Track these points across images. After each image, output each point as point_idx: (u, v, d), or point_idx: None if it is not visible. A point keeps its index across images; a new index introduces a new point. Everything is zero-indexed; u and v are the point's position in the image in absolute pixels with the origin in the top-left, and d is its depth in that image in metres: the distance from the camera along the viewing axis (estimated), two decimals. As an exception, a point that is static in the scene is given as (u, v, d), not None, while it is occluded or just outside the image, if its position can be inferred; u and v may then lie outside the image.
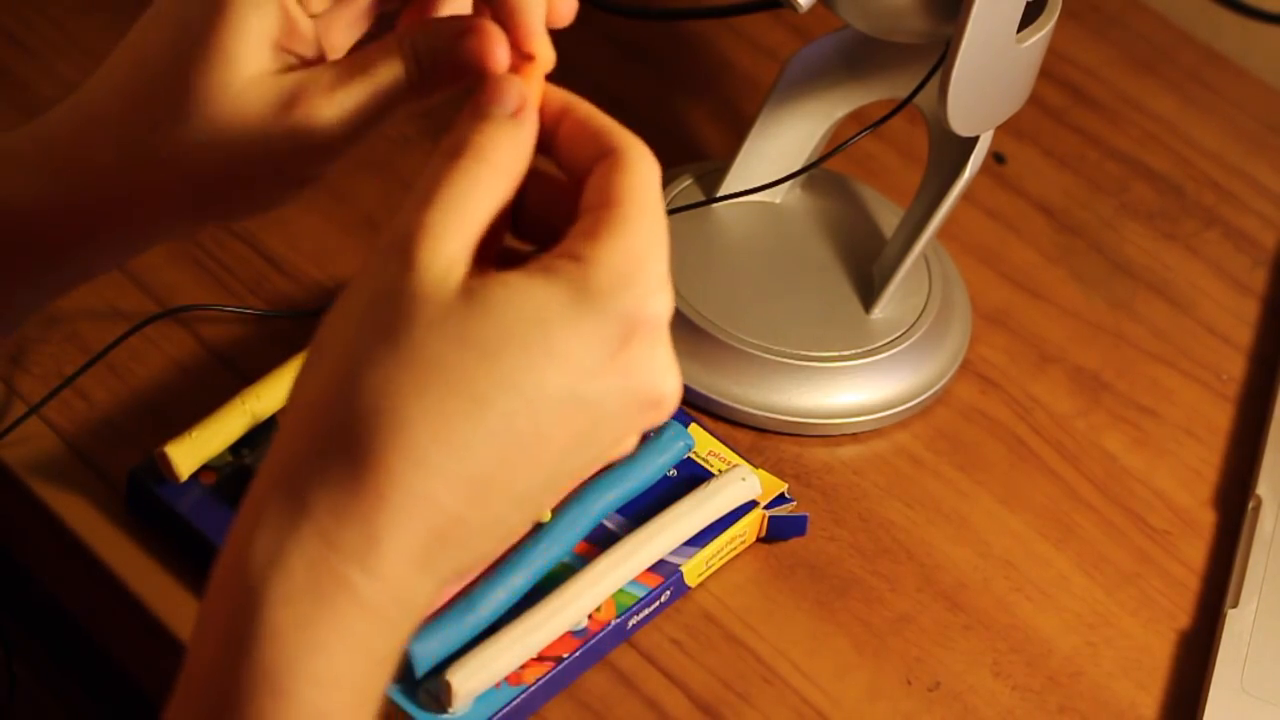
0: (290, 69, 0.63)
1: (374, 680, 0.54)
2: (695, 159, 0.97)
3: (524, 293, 0.54)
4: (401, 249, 0.54)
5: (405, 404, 0.53)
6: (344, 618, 0.53)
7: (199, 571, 0.77)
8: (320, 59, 0.65)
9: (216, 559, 0.55)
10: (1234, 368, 0.95)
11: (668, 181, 0.94)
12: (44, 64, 0.96)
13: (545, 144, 0.60)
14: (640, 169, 0.57)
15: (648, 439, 0.82)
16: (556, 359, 0.54)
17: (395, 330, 0.53)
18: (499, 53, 0.61)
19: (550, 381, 0.54)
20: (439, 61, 0.62)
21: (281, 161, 0.64)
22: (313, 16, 0.65)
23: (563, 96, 0.60)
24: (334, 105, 0.62)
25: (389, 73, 0.63)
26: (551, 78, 1.06)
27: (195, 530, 0.77)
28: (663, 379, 0.57)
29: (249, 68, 0.62)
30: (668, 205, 0.92)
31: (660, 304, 0.56)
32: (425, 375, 0.53)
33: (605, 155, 0.58)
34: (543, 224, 0.60)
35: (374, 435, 0.53)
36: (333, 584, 0.53)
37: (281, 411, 0.55)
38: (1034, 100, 0.97)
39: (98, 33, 0.99)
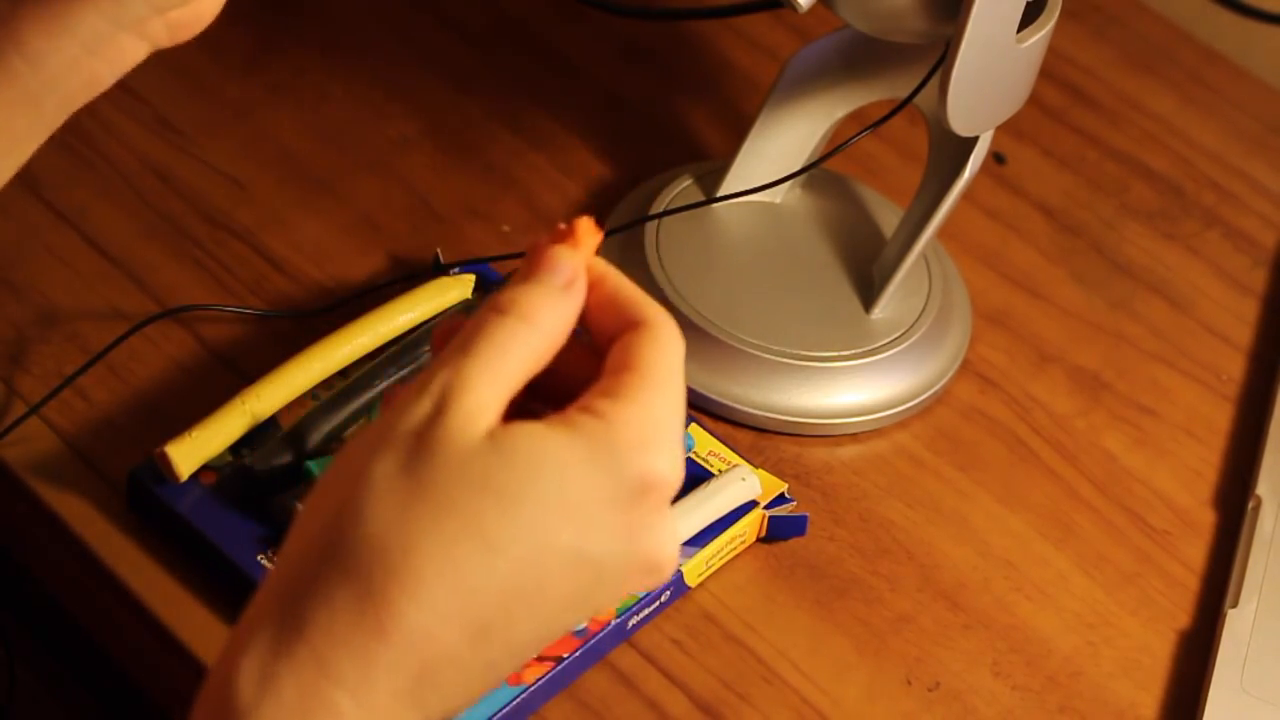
0: None
1: None
2: (695, 159, 0.98)
3: (546, 443, 0.55)
4: (438, 392, 0.55)
5: (419, 540, 0.53)
6: None
7: (199, 571, 0.77)
8: None
9: (207, 675, 0.55)
10: (1234, 368, 0.95)
11: (668, 182, 0.94)
12: (44, 64, 0.96)
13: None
14: (666, 339, 0.59)
15: None
16: (570, 514, 0.55)
17: (420, 465, 0.54)
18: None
19: (561, 536, 0.55)
20: None
21: None
22: None
23: (598, 265, 0.60)
24: None
25: None
26: (552, 78, 1.07)
27: (195, 530, 0.77)
28: (664, 546, 0.57)
29: None
30: (668, 205, 0.92)
31: (673, 470, 0.57)
32: (441, 514, 0.54)
33: (634, 325, 0.59)
34: (559, 383, 0.61)
35: (383, 567, 0.53)
36: (322, 710, 0.53)
37: (289, 533, 0.56)
38: (1034, 100, 0.97)
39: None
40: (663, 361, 0.58)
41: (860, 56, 0.90)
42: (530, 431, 0.55)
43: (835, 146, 0.89)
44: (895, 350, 0.89)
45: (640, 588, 0.58)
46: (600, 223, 0.96)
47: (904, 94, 0.86)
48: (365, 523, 0.54)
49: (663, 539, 0.57)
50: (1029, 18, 0.83)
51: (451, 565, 0.53)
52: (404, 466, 0.54)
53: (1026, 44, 0.83)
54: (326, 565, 0.54)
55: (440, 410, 0.55)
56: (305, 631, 0.53)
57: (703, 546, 0.80)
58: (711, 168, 0.94)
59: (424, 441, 0.55)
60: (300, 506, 0.57)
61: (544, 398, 0.60)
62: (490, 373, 0.56)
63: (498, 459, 0.54)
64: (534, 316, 0.57)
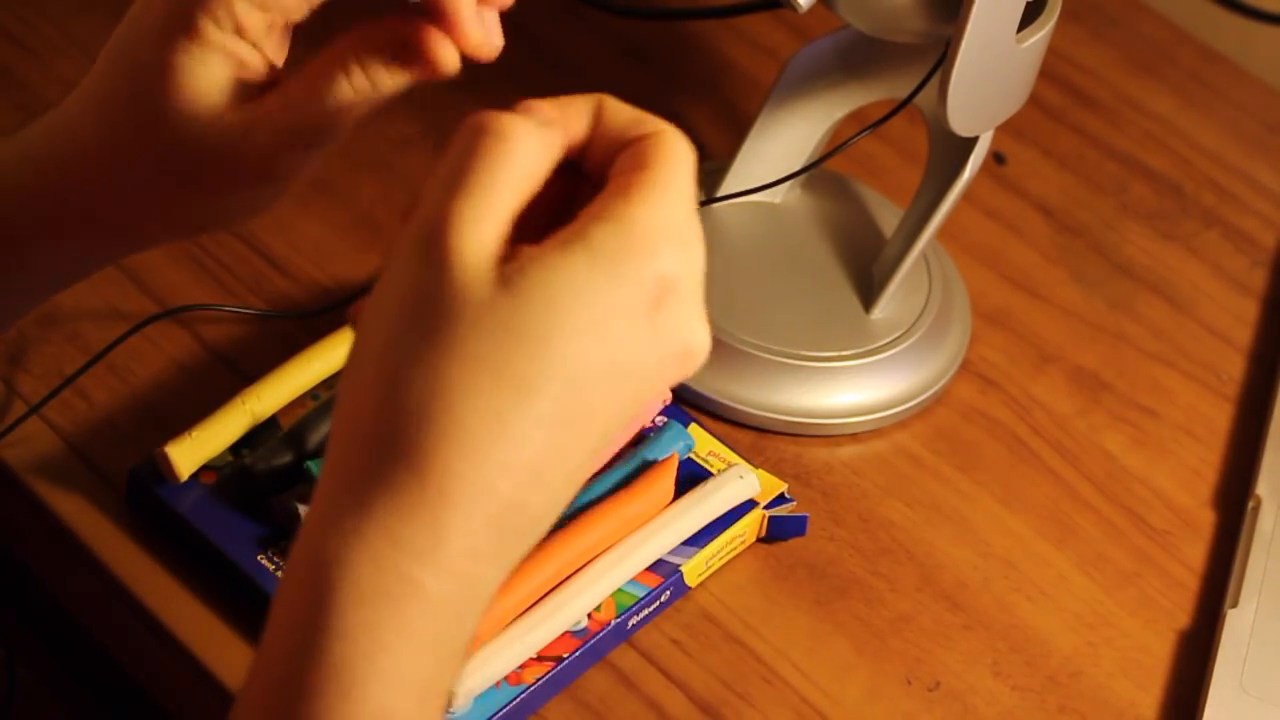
0: (245, 93, 0.65)
1: (442, 675, 0.55)
2: (695, 159, 0.97)
3: (560, 270, 0.54)
4: (433, 242, 0.54)
5: (457, 401, 0.53)
6: (412, 617, 0.53)
7: (199, 571, 0.77)
8: (271, 73, 0.66)
9: (291, 551, 0.55)
10: (1234, 368, 0.95)
11: (668, 181, 0.94)
12: (44, 64, 0.96)
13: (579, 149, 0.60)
14: (674, 141, 0.58)
15: (648, 439, 0.82)
16: (596, 333, 0.54)
17: (437, 327, 0.54)
18: (445, 51, 0.64)
19: (592, 358, 0.54)
20: (385, 73, 0.66)
21: (253, 171, 0.65)
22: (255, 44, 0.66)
23: (591, 97, 0.60)
24: (289, 137, 0.64)
25: (333, 92, 0.65)
26: (552, 78, 1.07)
27: (195, 530, 0.77)
28: (692, 333, 0.56)
29: (207, 111, 0.64)
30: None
31: (692, 259, 0.56)
32: (473, 370, 0.53)
33: (644, 135, 0.58)
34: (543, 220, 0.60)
35: (429, 435, 0.53)
36: (400, 585, 0.53)
37: (334, 409, 0.56)
38: (1034, 100, 0.97)
39: (98, 33, 0.98)
40: (673, 161, 0.57)
41: (860, 56, 0.90)
42: (542, 262, 0.54)
43: (835, 146, 0.89)
44: (895, 350, 0.89)
45: (679, 377, 0.57)
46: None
47: (904, 94, 0.86)
48: (402, 398, 0.53)
49: (690, 328, 0.56)
50: (1029, 18, 0.83)
51: (494, 418, 0.53)
52: (425, 332, 0.54)
53: (1026, 44, 0.83)
54: (375, 444, 0.53)
55: (443, 265, 0.54)
56: (371, 512, 0.53)
57: (703, 546, 0.80)
58: (711, 168, 0.94)
59: (438, 303, 0.54)
60: (339, 391, 0.56)
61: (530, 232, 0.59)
62: (484, 207, 0.55)
63: (513, 300, 0.54)
64: (514, 136, 0.56)
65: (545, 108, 0.59)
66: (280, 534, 0.76)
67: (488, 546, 0.54)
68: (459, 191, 0.55)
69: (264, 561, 0.76)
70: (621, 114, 0.59)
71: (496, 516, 0.54)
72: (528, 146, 0.57)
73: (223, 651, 0.75)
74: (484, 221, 0.54)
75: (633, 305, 0.55)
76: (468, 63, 1.02)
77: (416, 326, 0.54)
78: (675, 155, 0.58)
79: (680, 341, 0.56)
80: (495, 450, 0.53)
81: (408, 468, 0.53)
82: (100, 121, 0.65)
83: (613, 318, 0.54)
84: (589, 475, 0.56)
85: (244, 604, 0.76)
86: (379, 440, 0.54)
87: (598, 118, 0.60)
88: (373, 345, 0.55)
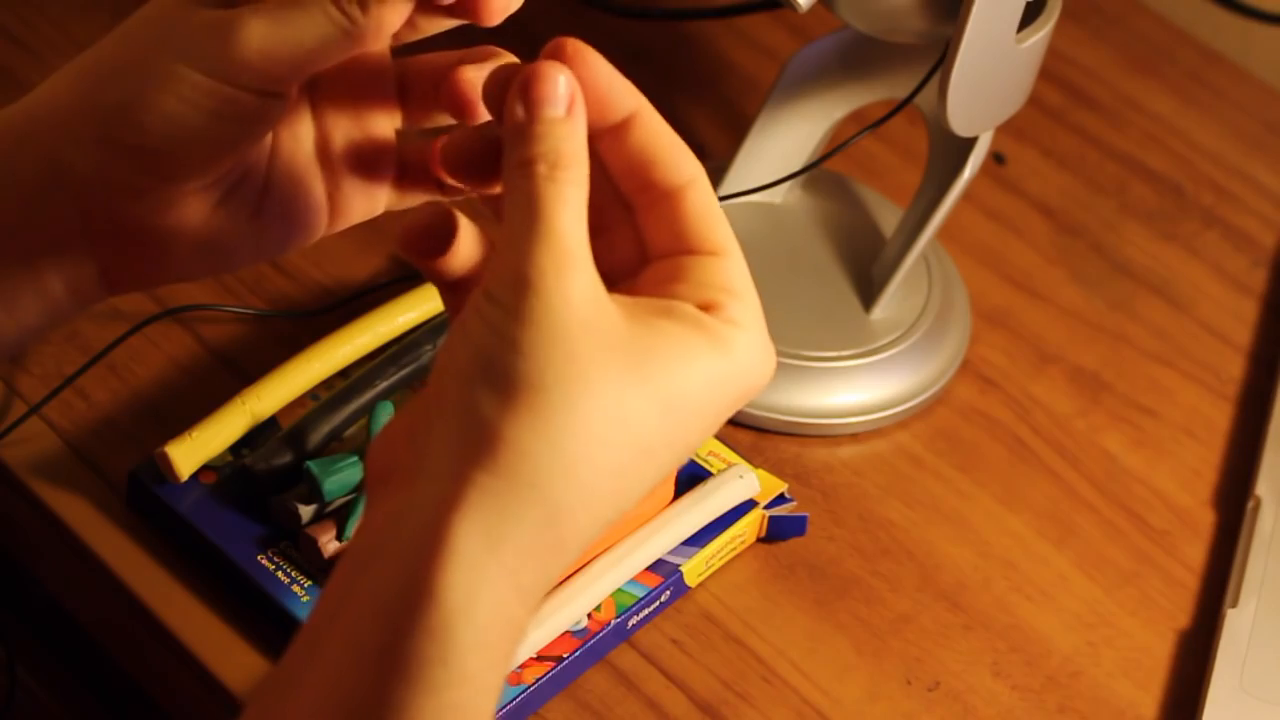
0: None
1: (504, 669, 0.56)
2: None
3: (692, 353, 0.56)
4: (557, 283, 0.54)
5: (600, 456, 0.54)
6: (511, 655, 0.54)
7: (199, 571, 0.77)
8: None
9: (356, 539, 0.55)
10: (1233, 368, 0.95)
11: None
12: (44, 64, 0.96)
13: (597, 135, 0.59)
14: (718, 205, 0.60)
15: None
16: (703, 418, 0.56)
17: (584, 372, 0.54)
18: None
19: (693, 437, 0.57)
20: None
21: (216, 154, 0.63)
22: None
23: (632, 100, 0.59)
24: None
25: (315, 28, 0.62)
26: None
27: (195, 530, 0.77)
28: (763, 377, 0.59)
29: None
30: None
31: (772, 369, 0.59)
32: (617, 426, 0.54)
33: (683, 185, 0.59)
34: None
35: (572, 488, 0.54)
36: (510, 629, 0.54)
37: (437, 408, 0.55)
38: (1034, 100, 0.97)
39: (98, 33, 0.98)
40: (730, 233, 0.59)
41: (860, 57, 0.90)
42: (670, 334, 0.55)
43: (835, 146, 0.89)
44: (895, 350, 0.89)
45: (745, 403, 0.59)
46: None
47: (904, 94, 0.86)
48: (552, 441, 0.53)
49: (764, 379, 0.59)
50: (1029, 18, 0.83)
51: (621, 483, 0.55)
52: (567, 368, 0.54)
53: (1026, 44, 0.83)
54: (516, 479, 0.53)
55: (566, 299, 0.54)
56: (499, 551, 0.53)
57: (702, 546, 0.80)
58: (711, 168, 0.94)
59: (572, 339, 0.54)
60: (443, 375, 0.56)
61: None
62: (579, 240, 0.55)
63: (654, 366, 0.55)
64: (564, 161, 0.56)
65: (561, 86, 0.57)
66: (280, 534, 0.76)
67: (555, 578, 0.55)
68: (546, 235, 0.55)
69: (264, 561, 0.76)
70: (662, 138, 0.59)
71: (577, 552, 0.55)
72: (578, 165, 0.56)
73: (223, 651, 0.75)
74: (582, 260, 0.55)
75: (732, 398, 0.57)
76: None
77: (567, 375, 0.54)
78: (727, 224, 0.60)
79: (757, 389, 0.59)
80: (610, 511, 0.55)
81: (542, 513, 0.53)
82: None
83: (718, 405, 0.57)
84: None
85: (244, 604, 0.76)
86: (521, 477, 0.53)
87: (635, 123, 0.59)
88: (497, 369, 0.54)
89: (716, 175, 0.93)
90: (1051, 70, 1.07)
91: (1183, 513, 0.88)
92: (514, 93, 0.57)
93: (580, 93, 0.57)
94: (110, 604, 0.78)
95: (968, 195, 0.95)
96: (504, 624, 0.53)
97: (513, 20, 1.01)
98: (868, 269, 0.92)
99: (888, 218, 0.95)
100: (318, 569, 0.75)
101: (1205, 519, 0.88)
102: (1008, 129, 1.01)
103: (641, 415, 0.54)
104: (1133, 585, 0.85)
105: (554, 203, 0.55)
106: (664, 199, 0.58)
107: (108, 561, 0.78)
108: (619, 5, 1.02)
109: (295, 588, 0.75)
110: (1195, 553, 0.87)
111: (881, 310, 0.90)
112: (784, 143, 0.92)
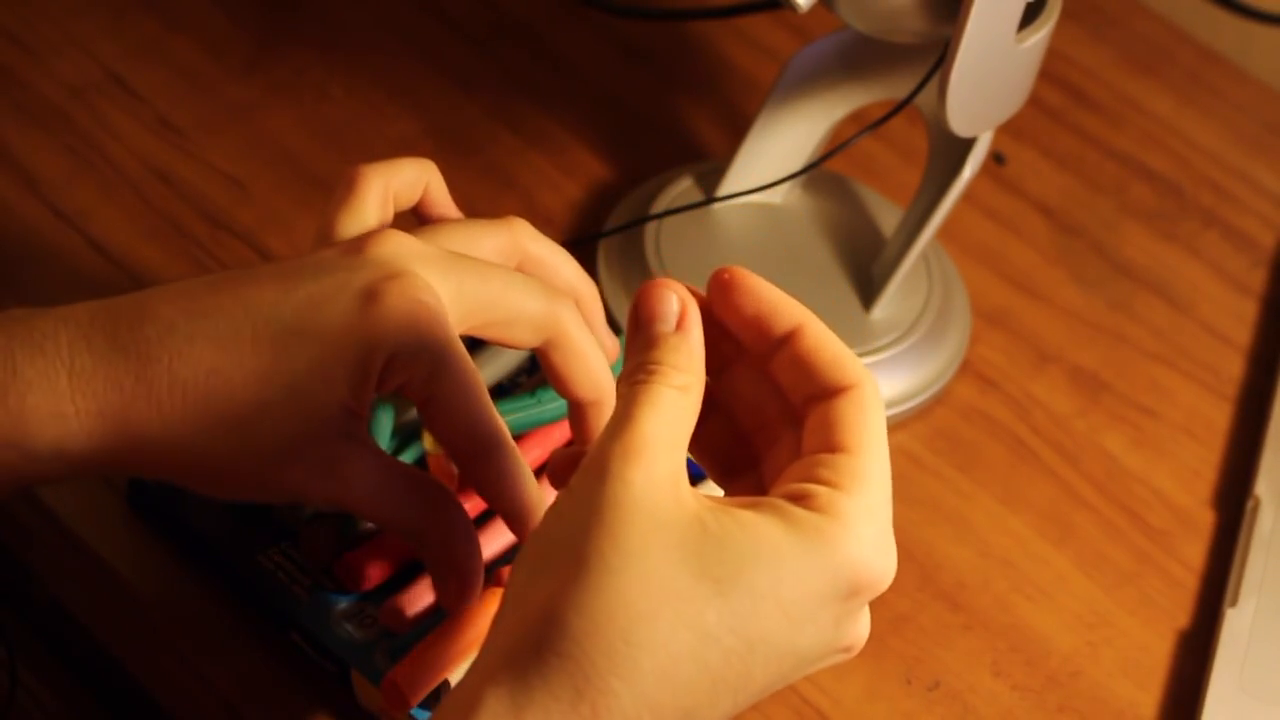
0: None
1: None
2: (695, 159, 0.98)
3: (763, 537, 0.55)
4: (618, 470, 0.55)
5: (636, 626, 0.53)
6: None
7: (199, 572, 0.77)
8: None
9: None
10: (1233, 368, 0.95)
11: (668, 182, 0.94)
12: (44, 64, 0.96)
13: (763, 351, 0.60)
14: (877, 411, 0.58)
15: None
16: (785, 609, 0.55)
17: (631, 547, 0.54)
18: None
19: (773, 630, 0.55)
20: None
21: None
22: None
23: (797, 314, 0.60)
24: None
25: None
26: (552, 78, 1.06)
27: (195, 530, 0.77)
28: (863, 633, 0.58)
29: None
30: (668, 205, 0.92)
31: (888, 567, 0.57)
32: (660, 600, 0.53)
33: (841, 390, 0.58)
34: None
35: (602, 654, 0.53)
36: None
37: (502, 606, 0.57)
38: (1034, 100, 0.97)
39: (98, 33, 0.99)
40: (875, 436, 0.58)
41: (860, 57, 0.90)
42: (744, 521, 0.55)
43: (835, 146, 0.89)
44: (895, 350, 0.89)
45: (831, 664, 0.58)
46: (600, 223, 0.96)
47: (904, 94, 0.86)
48: (586, 607, 0.53)
49: (862, 626, 0.58)
50: (1029, 18, 0.83)
51: (668, 655, 0.53)
52: (618, 546, 0.54)
53: (1026, 44, 0.83)
54: (548, 650, 0.54)
55: (626, 480, 0.55)
56: (524, 714, 0.53)
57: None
58: (711, 168, 0.94)
59: (632, 520, 0.54)
60: (509, 580, 0.57)
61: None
62: (656, 437, 0.56)
63: (712, 547, 0.54)
64: (668, 376, 0.57)
65: (669, 304, 0.59)
66: (280, 534, 0.76)
67: None
68: (634, 426, 0.56)
69: (264, 561, 0.76)
70: (825, 349, 0.59)
71: None
72: (681, 379, 0.58)
73: (223, 652, 0.75)
74: (664, 453, 0.55)
75: (825, 596, 0.55)
76: (468, 63, 1.02)
77: (611, 543, 0.54)
78: (877, 429, 0.58)
79: (851, 639, 0.57)
80: (655, 685, 0.53)
81: (570, 675, 0.53)
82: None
83: (804, 600, 0.55)
84: None
85: (244, 604, 0.76)
86: (553, 643, 0.54)
87: (798, 336, 0.60)
88: (560, 550, 0.55)
89: (716, 175, 0.93)
90: (1051, 70, 1.07)
91: (1182, 513, 0.88)
92: (631, 309, 0.59)
93: (695, 311, 0.59)
94: (110, 604, 0.78)
95: (968, 195, 0.94)
96: None
97: (513, 20, 1.01)
98: (868, 269, 0.92)
99: (888, 218, 0.95)
100: (318, 569, 0.75)
101: (1205, 519, 0.88)
102: (1008, 129, 1.01)
103: (694, 595, 0.54)
104: (1132, 585, 0.85)
105: (641, 401, 0.56)
106: (819, 403, 0.59)
107: (108, 561, 0.78)
108: (619, 5, 1.02)
109: (295, 588, 0.75)
110: (1195, 552, 0.87)
111: (881, 310, 0.90)
112: (784, 143, 0.92)
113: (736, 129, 0.98)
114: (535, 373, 0.83)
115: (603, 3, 1.01)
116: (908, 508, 0.86)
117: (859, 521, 0.56)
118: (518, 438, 0.79)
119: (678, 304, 0.59)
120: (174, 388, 0.63)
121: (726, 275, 0.60)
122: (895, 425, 0.89)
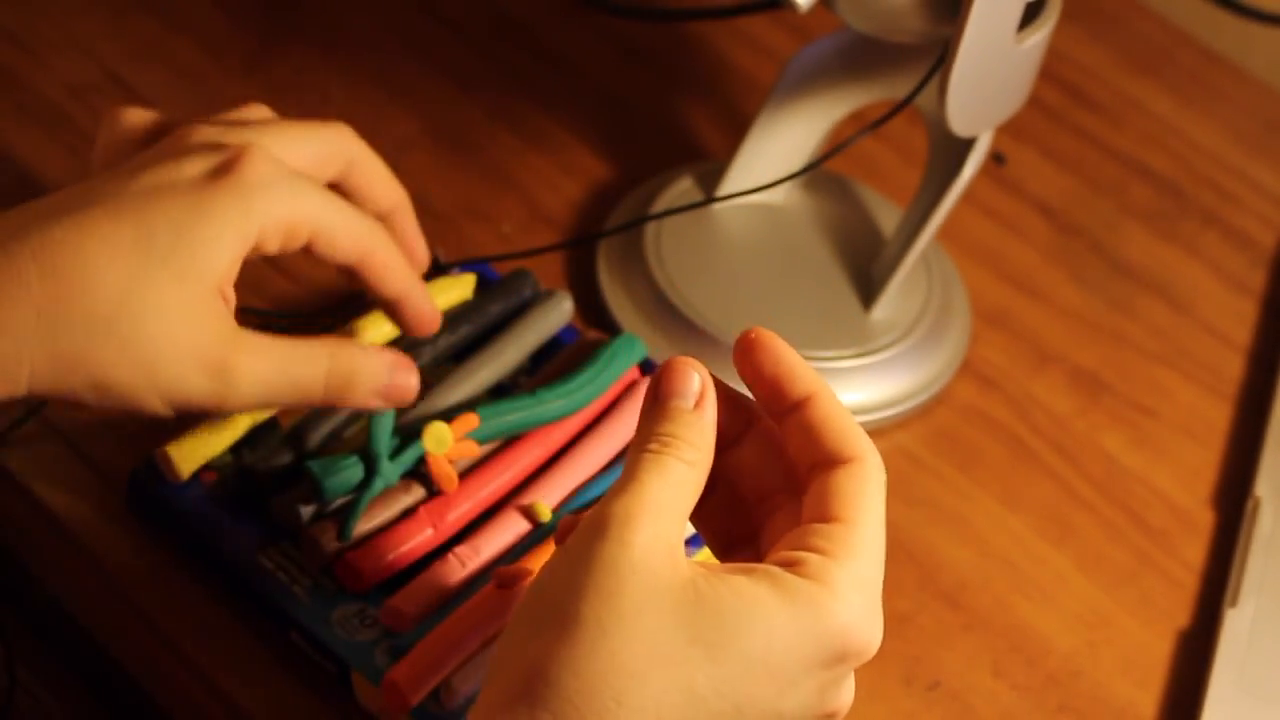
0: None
1: None
2: (695, 159, 0.98)
3: (755, 603, 0.56)
4: (621, 530, 0.56)
5: (628, 687, 0.54)
6: None
7: (199, 571, 0.77)
8: None
9: None
10: (1233, 368, 0.95)
11: (668, 182, 0.94)
12: (44, 64, 0.96)
13: (776, 414, 0.61)
14: (877, 485, 0.59)
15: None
16: (773, 673, 0.56)
17: (625, 608, 0.54)
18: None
19: (760, 695, 0.56)
20: None
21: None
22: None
23: (812, 382, 0.61)
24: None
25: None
26: (552, 78, 1.06)
27: (195, 530, 0.77)
28: (847, 700, 0.59)
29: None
30: (668, 205, 0.92)
31: (875, 637, 0.58)
32: (651, 662, 0.54)
33: (844, 461, 0.59)
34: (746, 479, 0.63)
35: (595, 715, 0.54)
36: None
37: (496, 661, 0.58)
38: (1034, 100, 0.97)
39: (98, 33, 0.99)
40: (872, 510, 0.59)
41: (860, 57, 0.90)
42: (736, 586, 0.56)
43: (835, 146, 0.89)
44: (895, 350, 0.89)
45: None
46: (600, 223, 0.96)
47: (904, 94, 0.86)
48: (579, 664, 0.54)
49: (847, 695, 0.59)
50: (1029, 18, 0.83)
51: (657, 717, 0.54)
52: (611, 607, 0.55)
53: (1026, 44, 0.83)
54: (540, 705, 0.54)
55: (625, 542, 0.55)
56: None
57: (703, 546, 0.80)
58: (711, 168, 0.94)
59: (626, 581, 0.55)
60: (506, 629, 0.58)
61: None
62: (665, 511, 0.57)
63: (705, 611, 0.55)
64: (679, 451, 0.58)
65: (690, 381, 0.61)
66: (280, 534, 0.76)
67: None
68: (638, 490, 0.57)
69: (264, 561, 0.76)
70: (835, 419, 0.60)
71: None
72: (690, 455, 0.59)
73: (222, 652, 0.75)
74: (665, 520, 0.56)
75: (812, 662, 0.56)
76: (468, 63, 1.02)
77: (606, 603, 0.55)
78: (874, 504, 0.59)
79: (834, 705, 0.58)
80: None
81: None
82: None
83: (792, 665, 0.56)
84: None
85: (244, 604, 0.76)
86: (546, 700, 0.54)
87: (812, 403, 0.60)
88: (557, 604, 0.55)
89: (716, 175, 0.93)
90: (1051, 70, 1.07)
91: (1182, 512, 0.88)
92: (651, 382, 0.60)
93: (713, 393, 0.61)
94: (110, 604, 0.78)
95: (968, 195, 0.94)
96: None
97: (514, 21, 1.01)
98: (867, 269, 0.92)
99: (888, 218, 0.95)
100: (318, 569, 0.75)
101: (1205, 519, 0.88)
102: (1008, 129, 1.01)
103: (684, 657, 0.54)
104: (1132, 585, 0.85)
105: (650, 469, 0.57)
106: (821, 472, 0.60)
107: (108, 561, 0.78)
108: (619, 5, 1.02)
109: (295, 588, 0.75)
110: (1195, 552, 0.87)
111: (881, 310, 0.90)
112: (784, 143, 0.92)
113: (736, 129, 0.98)
114: (535, 373, 0.83)
115: (603, 3, 1.01)
116: (908, 508, 0.86)
117: (848, 589, 0.57)
118: (518, 438, 0.79)
119: (699, 384, 0.60)
120: (44, 274, 0.64)
121: (753, 335, 0.62)
122: (895, 425, 0.89)
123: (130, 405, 0.66)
